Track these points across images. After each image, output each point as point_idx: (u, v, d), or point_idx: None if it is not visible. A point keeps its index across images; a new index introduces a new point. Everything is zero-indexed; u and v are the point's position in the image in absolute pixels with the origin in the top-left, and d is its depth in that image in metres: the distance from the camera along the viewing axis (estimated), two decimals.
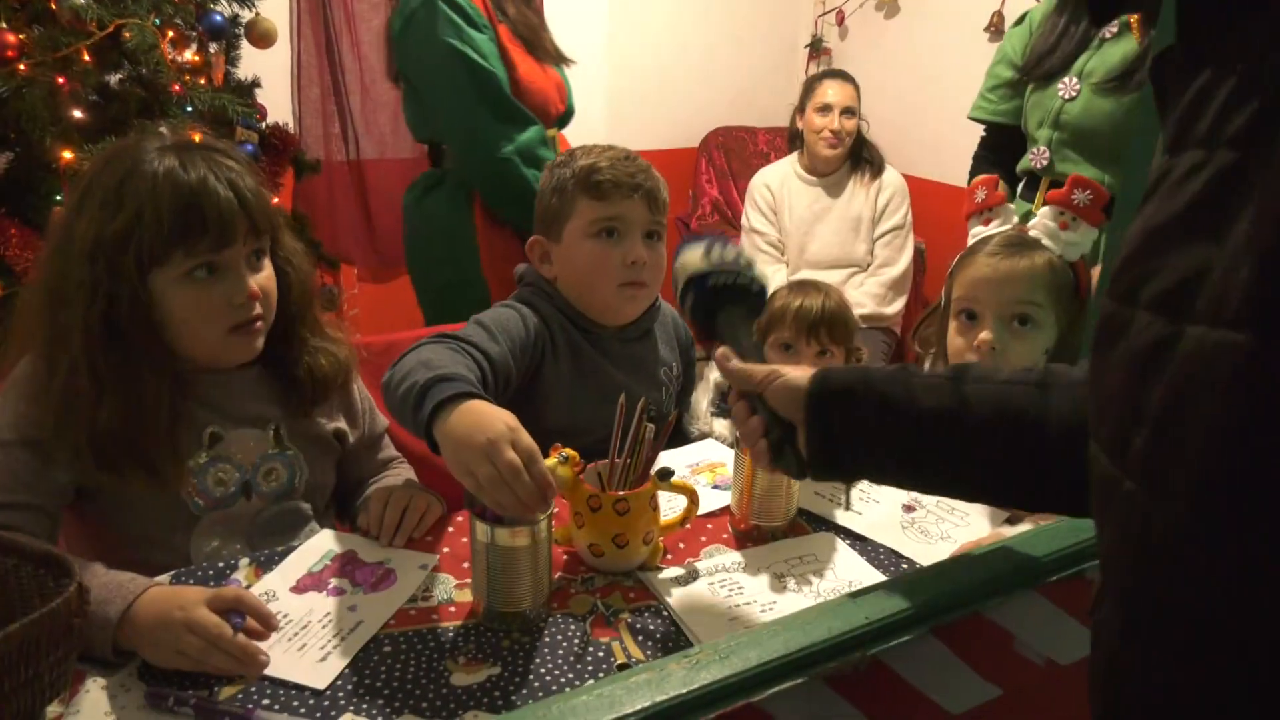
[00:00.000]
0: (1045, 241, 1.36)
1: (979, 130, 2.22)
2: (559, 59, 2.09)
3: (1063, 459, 0.78)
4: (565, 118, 2.12)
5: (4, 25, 1.77)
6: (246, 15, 2.19)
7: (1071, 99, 1.92)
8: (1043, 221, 1.38)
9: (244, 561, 1.10)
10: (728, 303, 1.03)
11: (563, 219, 1.38)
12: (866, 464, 0.90)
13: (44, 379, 1.07)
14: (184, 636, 0.89)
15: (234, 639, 0.90)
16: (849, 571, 1.12)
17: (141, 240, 1.06)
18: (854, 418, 0.86)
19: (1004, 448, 0.81)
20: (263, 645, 0.93)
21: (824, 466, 0.91)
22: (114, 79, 2.00)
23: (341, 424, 1.30)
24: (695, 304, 1.04)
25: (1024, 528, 1.16)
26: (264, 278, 1.16)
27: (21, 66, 1.77)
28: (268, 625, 0.96)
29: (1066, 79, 1.93)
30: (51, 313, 1.08)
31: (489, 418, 0.95)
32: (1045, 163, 1.98)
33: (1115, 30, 1.90)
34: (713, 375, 1.66)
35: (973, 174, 2.19)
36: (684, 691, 0.70)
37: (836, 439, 0.88)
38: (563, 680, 0.92)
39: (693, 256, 1.04)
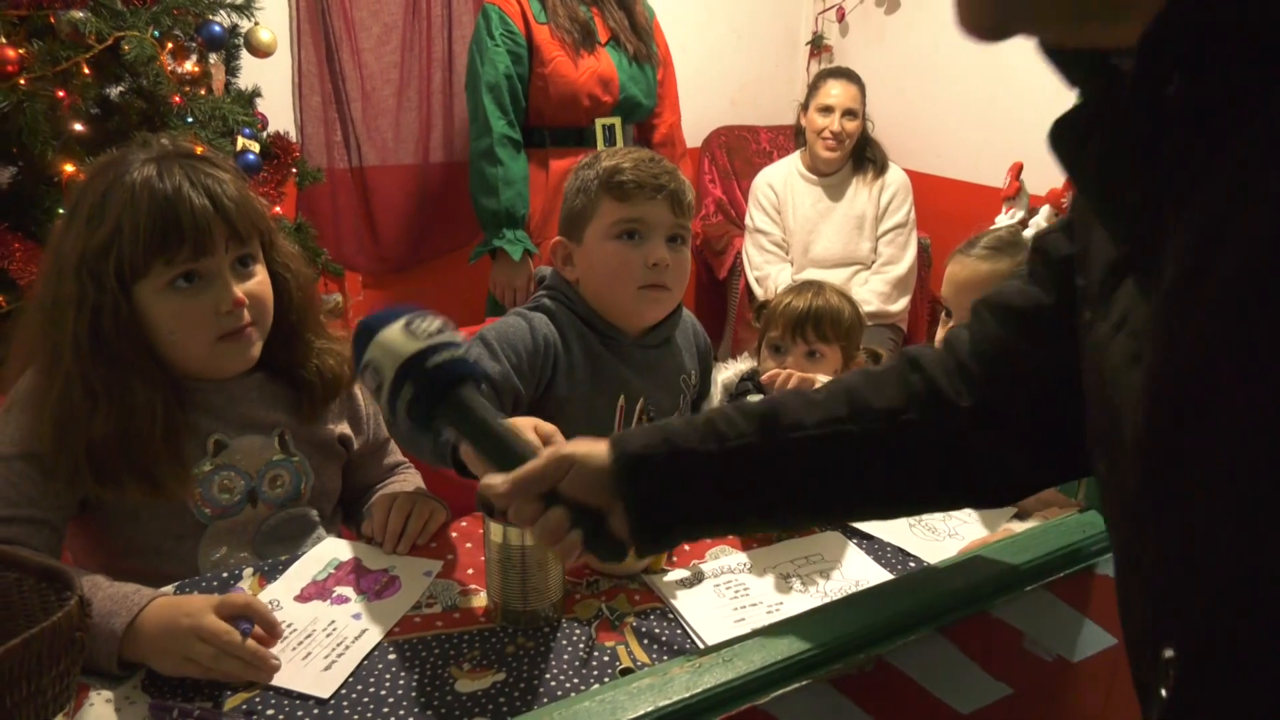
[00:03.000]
0: None
1: (982, 124, 2.18)
2: (638, 56, 2.30)
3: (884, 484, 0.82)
4: (624, 108, 2.32)
5: (3, 40, 1.77)
6: (246, 25, 2.20)
7: None
8: (1039, 221, 1.35)
9: (248, 571, 1.09)
10: (452, 384, 0.84)
11: (585, 220, 1.37)
12: (704, 522, 0.85)
13: (44, 393, 1.08)
14: (193, 644, 0.88)
15: (244, 645, 0.90)
16: (856, 571, 1.12)
17: (121, 252, 1.05)
18: (671, 478, 0.80)
19: (826, 481, 0.82)
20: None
21: (652, 538, 0.82)
22: (114, 92, 2.00)
23: (346, 430, 1.30)
24: (418, 395, 0.83)
25: (1033, 524, 1.15)
26: (254, 284, 1.15)
27: (22, 81, 1.77)
28: (273, 633, 0.96)
29: None
30: (48, 327, 1.08)
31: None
32: None
33: None
34: (720, 377, 1.64)
35: None
36: (687, 696, 0.70)
37: (661, 505, 0.80)
38: (568, 685, 0.91)
39: (394, 336, 0.83)
